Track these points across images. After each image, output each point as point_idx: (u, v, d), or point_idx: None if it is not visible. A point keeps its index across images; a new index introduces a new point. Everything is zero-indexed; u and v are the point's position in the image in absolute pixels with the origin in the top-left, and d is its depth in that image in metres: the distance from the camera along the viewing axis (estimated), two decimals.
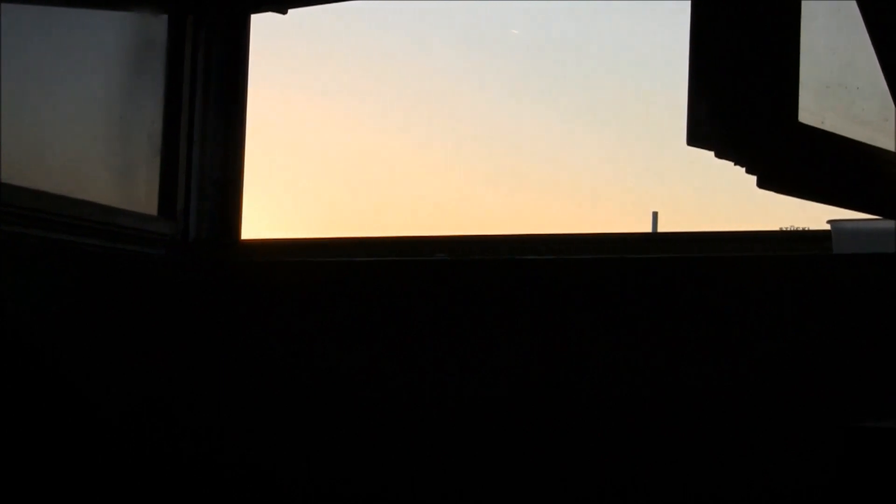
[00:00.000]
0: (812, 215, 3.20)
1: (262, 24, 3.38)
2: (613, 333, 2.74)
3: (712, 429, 2.58)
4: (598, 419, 2.73)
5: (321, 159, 3.66)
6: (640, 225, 3.41)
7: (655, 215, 3.56)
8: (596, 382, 2.76)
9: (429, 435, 2.90)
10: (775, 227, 2.81)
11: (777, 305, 2.56)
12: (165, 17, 3.35)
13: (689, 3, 2.11)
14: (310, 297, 3.12)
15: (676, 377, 2.65)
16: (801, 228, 2.83)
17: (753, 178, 2.20)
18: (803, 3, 2.17)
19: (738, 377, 2.58)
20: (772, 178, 2.19)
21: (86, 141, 3.19)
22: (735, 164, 2.19)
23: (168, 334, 3.22)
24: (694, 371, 2.64)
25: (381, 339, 2.98)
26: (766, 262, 2.64)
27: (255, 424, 3.09)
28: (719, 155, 2.17)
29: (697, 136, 2.15)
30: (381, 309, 3.01)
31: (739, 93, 2.17)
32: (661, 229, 3.49)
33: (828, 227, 2.67)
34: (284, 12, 3.37)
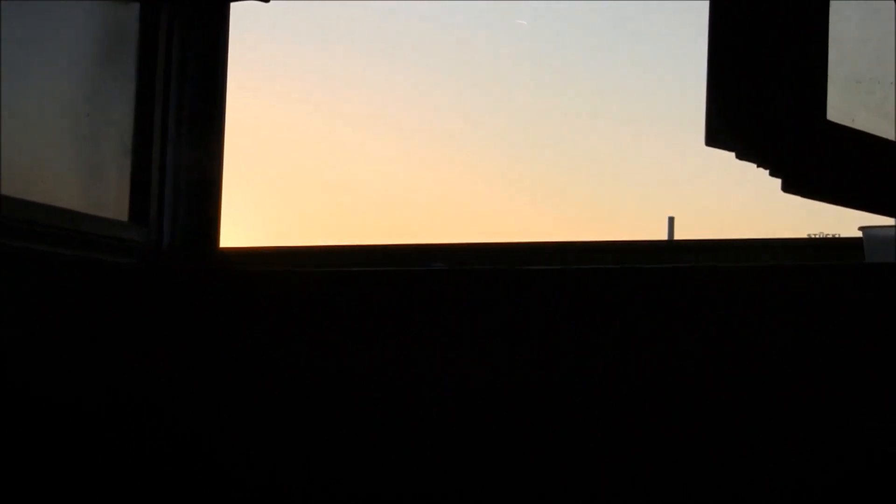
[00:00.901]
0: (842, 221, 3.17)
1: (242, 14, 3.34)
2: (627, 350, 2.69)
3: (740, 446, 2.54)
4: (611, 441, 2.69)
5: (305, 162, 3.60)
6: (656, 231, 3.50)
7: (672, 221, 3.58)
8: (608, 402, 2.71)
9: (427, 457, 2.86)
10: (802, 234, 2.87)
11: (804, 318, 2.51)
12: (137, 5, 3.29)
13: None
14: (295, 310, 3.07)
15: (694, 399, 2.62)
16: (830, 235, 2.86)
17: (778, 182, 2.19)
18: None
19: (765, 398, 2.54)
20: (798, 181, 2.19)
21: (48, 139, 3.14)
22: (758, 167, 2.18)
23: (139, 350, 3.16)
24: (718, 392, 2.60)
25: (373, 355, 2.94)
26: (791, 272, 2.59)
27: (240, 446, 3.04)
28: (741, 156, 2.17)
29: (717, 136, 2.14)
30: (373, 323, 2.97)
31: (762, 89, 2.16)
32: (677, 236, 3.52)
33: (859, 234, 2.68)
34: (267, 0, 3.31)
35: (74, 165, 3.19)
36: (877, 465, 2.41)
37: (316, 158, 3.56)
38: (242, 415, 3.07)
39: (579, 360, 2.72)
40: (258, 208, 3.59)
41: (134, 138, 3.27)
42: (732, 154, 2.22)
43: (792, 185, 2.18)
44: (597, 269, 2.88)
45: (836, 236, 2.89)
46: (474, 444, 2.82)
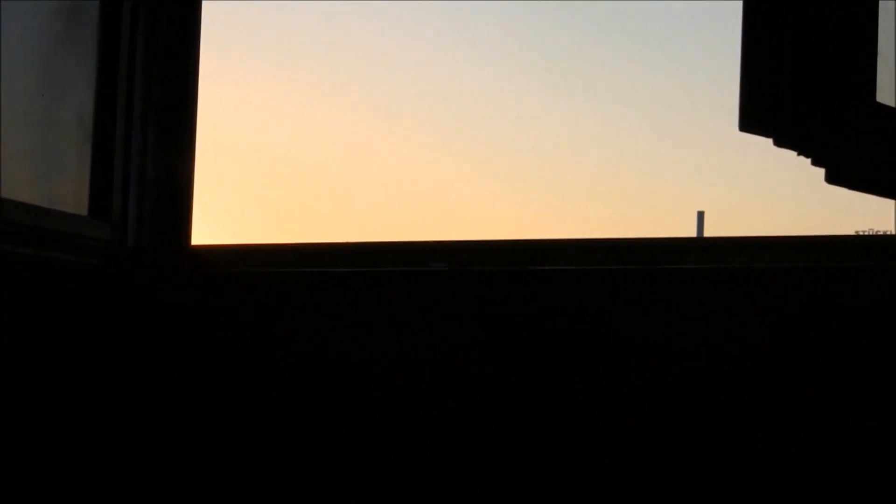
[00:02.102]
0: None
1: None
2: (650, 357, 2.69)
3: (774, 456, 2.58)
4: (631, 459, 2.70)
5: (284, 155, 3.56)
6: (685, 227, 3.45)
7: (701, 216, 3.52)
8: (625, 418, 2.71)
9: (422, 469, 2.87)
10: (849, 231, 2.72)
11: (851, 322, 2.49)
12: None
13: None
14: (279, 316, 3.04)
15: (707, 409, 2.62)
16: (881, 232, 2.74)
17: (821, 172, 2.17)
18: None
19: (810, 417, 2.55)
20: (843, 171, 2.16)
21: None
22: (798, 155, 2.15)
23: (103, 361, 3.13)
24: (744, 408, 2.61)
25: (366, 364, 2.93)
26: (837, 274, 2.56)
27: (219, 464, 3.03)
28: (779, 143, 2.14)
29: (752, 120, 2.13)
30: (366, 329, 2.95)
31: (803, 67, 2.14)
32: (707, 232, 3.40)
33: None
34: None
35: (27, 152, 3.09)
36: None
37: (296, 152, 3.51)
38: (219, 428, 3.05)
39: (608, 376, 2.72)
40: (235, 203, 3.48)
41: (94, 123, 3.20)
42: (769, 141, 2.18)
43: (837, 176, 2.15)
44: (623, 270, 2.83)
45: (889, 233, 2.74)
46: (480, 473, 2.82)
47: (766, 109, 2.13)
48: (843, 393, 2.53)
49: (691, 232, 3.26)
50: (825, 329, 2.54)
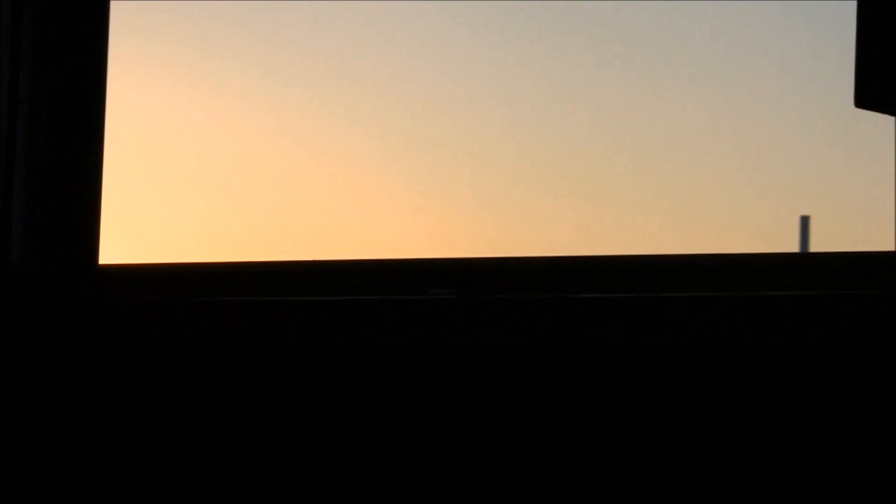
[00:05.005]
0: None
1: None
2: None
3: None
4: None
5: (217, 158, 3.66)
6: (786, 235, 3.58)
7: (806, 221, 3.87)
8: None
9: None
10: None
11: None
12: None
13: None
14: (219, 357, 3.02)
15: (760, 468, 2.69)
16: None
17: None
18: None
19: None
20: None
21: None
22: None
23: None
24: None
25: (341, 421, 2.94)
26: None
27: None
28: None
29: (870, 93, 2.29)
30: (340, 376, 2.92)
31: None
32: (813, 239, 3.74)
33: None
34: None
35: None
36: None
37: (230, 154, 3.94)
38: None
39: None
40: (156, 211, 3.72)
41: None
42: (891, 120, 2.42)
43: None
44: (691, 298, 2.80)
45: None
46: None
47: (888, 81, 2.31)
48: None
49: (793, 242, 3.36)
50: None
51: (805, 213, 3.74)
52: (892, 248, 2.94)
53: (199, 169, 3.81)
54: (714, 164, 3.60)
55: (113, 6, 3.53)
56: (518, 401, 2.93)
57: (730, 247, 3.21)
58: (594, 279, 3.12)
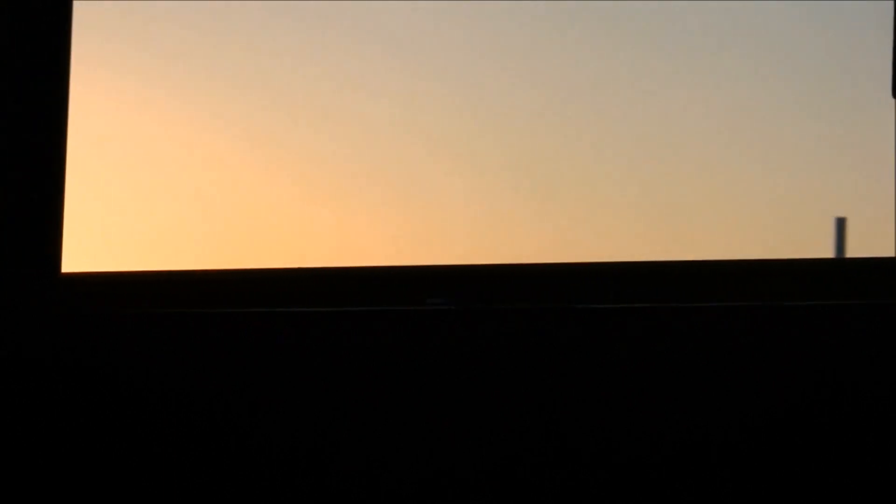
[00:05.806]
0: None
1: None
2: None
3: None
4: None
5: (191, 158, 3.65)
6: (821, 237, 3.63)
7: (842, 223, 3.70)
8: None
9: None
10: None
11: None
12: None
13: None
14: (199, 374, 3.00)
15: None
16: None
17: None
18: None
19: None
20: None
21: None
22: None
23: None
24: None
25: (338, 430, 2.94)
26: None
27: None
28: None
29: None
30: (333, 395, 2.91)
31: None
32: (850, 244, 3.67)
33: None
34: None
35: None
36: None
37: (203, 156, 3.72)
38: None
39: None
40: (123, 217, 3.67)
41: None
42: None
43: None
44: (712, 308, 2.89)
45: None
46: None
47: None
48: None
49: (828, 244, 3.35)
50: None
51: (840, 214, 3.70)
52: None
53: (182, 175, 3.78)
54: (741, 165, 3.56)
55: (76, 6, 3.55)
56: (520, 408, 2.97)
57: (760, 251, 3.30)
58: (605, 285, 3.14)
